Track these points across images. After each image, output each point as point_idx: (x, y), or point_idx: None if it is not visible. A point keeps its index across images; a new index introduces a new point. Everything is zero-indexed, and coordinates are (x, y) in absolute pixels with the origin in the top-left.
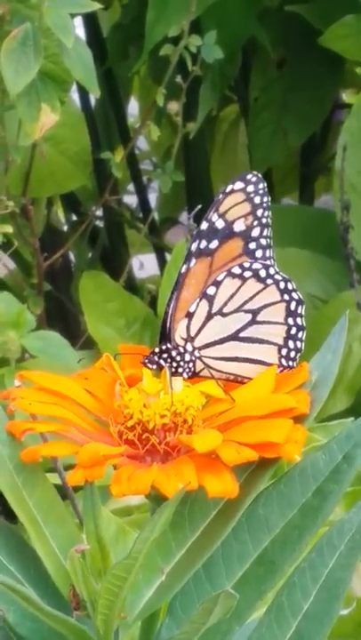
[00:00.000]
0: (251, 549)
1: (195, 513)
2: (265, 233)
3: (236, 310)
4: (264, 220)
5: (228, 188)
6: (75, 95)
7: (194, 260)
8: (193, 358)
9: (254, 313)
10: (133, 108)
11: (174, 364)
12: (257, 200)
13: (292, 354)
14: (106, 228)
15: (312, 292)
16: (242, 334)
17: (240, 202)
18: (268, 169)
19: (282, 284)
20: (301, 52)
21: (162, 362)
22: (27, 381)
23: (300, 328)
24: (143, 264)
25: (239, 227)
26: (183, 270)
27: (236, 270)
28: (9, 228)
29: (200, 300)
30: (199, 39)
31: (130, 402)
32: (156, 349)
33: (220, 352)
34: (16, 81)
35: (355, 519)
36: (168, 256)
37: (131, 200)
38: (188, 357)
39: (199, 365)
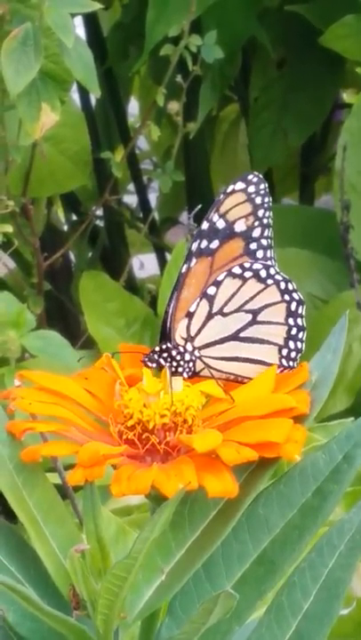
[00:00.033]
0: (251, 549)
1: (195, 513)
2: (266, 233)
3: (237, 310)
4: (265, 221)
5: (230, 189)
6: (75, 95)
7: (194, 260)
8: (193, 358)
9: (255, 313)
10: (133, 107)
11: (174, 364)
12: (258, 200)
13: (293, 354)
14: (106, 228)
15: (312, 291)
16: (242, 334)
17: (241, 202)
18: (269, 169)
19: (282, 285)
20: (301, 52)
21: (162, 361)
22: (27, 381)
23: (300, 328)
24: (143, 264)
25: (240, 227)
26: (184, 270)
27: (237, 270)
28: (9, 228)
29: (200, 299)
30: (199, 39)
31: (130, 401)
32: (157, 348)
33: (220, 352)
34: (16, 81)
35: (355, 519)
36: (168, 256)
37: (131, 200)
38: (188, 357)
39: (199, 365)
